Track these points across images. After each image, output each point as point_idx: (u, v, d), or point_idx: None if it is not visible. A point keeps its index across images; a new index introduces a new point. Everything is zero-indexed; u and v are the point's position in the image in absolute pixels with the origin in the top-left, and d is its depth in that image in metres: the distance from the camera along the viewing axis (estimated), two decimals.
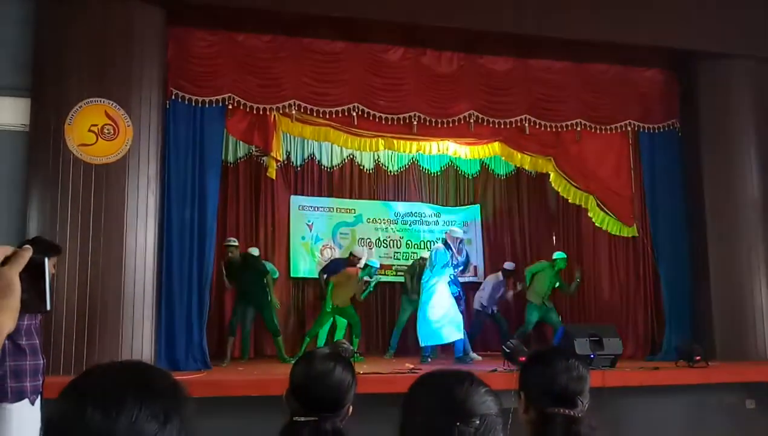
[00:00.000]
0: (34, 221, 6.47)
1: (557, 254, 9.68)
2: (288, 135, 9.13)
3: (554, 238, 10.56)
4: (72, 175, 6.46)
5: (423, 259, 9.20)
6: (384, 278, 10.55)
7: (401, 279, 10.10)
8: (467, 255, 8.89)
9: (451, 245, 8.42)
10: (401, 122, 8.06)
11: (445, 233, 9.06)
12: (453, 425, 1.44)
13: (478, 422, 1.45)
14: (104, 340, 6.32)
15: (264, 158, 9.39)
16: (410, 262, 10.17)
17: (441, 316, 8.11)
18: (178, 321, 7.05)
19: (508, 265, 10.12)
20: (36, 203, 6.53)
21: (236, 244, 8.90)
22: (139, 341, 6.50)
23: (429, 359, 8.24)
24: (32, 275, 1.29)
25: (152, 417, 1.05)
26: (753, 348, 7.91)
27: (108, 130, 6.61)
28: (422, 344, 8.25)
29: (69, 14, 6.69)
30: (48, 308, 1.53)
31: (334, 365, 2.26)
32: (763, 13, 8.28)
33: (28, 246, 1.29)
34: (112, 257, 6.46)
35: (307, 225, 10.33)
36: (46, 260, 1.35)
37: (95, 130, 6.57)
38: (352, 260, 9.23)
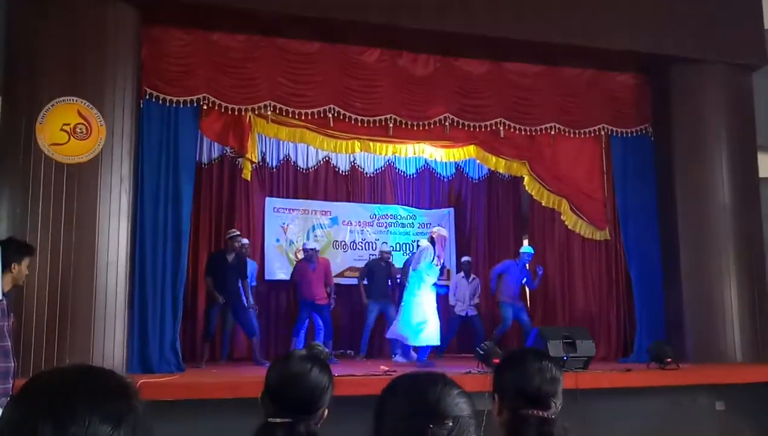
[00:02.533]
0: (4, 221, 6.38)
1: (524, 248, 9.83)
2: (263, 136, 9.08)
3: (526, 241, 10.62)
4: (43, 175, 6.38)
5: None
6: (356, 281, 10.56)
7: None
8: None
9: (437, 245, 8.41)
10: (377, 124, 8.06)
11: (431, 231, 9.06)
12: (426, 427, 1.44)
13: (451, 424, 1.46)
14: (75, 341, 6.24)
15: (239, 159, 9.34)
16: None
17: (423, 317, 8.10)
18: (151, 323, 7.00)
19: (465, 259, 10.36)
20: (6, 203, 6.44)
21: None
22: (111, 342, 6.43)
23: (402, 358, 8.23)
24: None
25: (105, 420, 1.03)
26: (723, 350, 8.02)
27: (80, 129, 6.53)
28: (399, 339, 8.24)
29: (41, 11, 6.61)
30: (1, 297, 1.51)
31: (311, 367, 2.25)
32: (735, 19, 8.40)
33: None
34: (83, 257, 6.39)
35: (282, 227, 10.29)
36: None
37: (67, 130, 6.49)
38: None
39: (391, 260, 10.04)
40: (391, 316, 9.65)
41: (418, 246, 9.56)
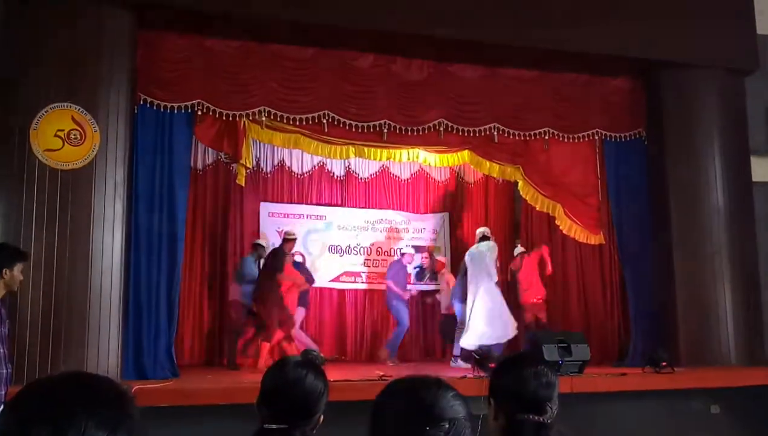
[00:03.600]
0: None
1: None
2: (257, 141, 9.09)
3: (518, 245, 10.60)
4: (37, 181, 6.36)
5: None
6: (355, 286, 10.60)
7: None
8: None
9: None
10: (371, 130, 8.07)
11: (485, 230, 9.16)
12: (422, 429, 1.44)
13: (447, 426, 1.46)
14: (69, 347, 6.22)
15: (233, 165, 9.34)
16: (378, 269, 10.29)
17: (498, 313, 8.22)
18: (146, 328, 6.98)
19: None
20: (0, 209, 6.42)
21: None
22: (105, 348, 6.41)
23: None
24: None
25: (101, 426, 1.03)
26: (718, 354, 8.03)
27: (74, 135, 6.52)
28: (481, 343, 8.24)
29: (36, 17, 6.60)
30: None
31: (306, 373, 2.25)
32: (728, 24, 8.44)
33: None
34: (78, 263, 6.37)
35: (277, 232, 10.29)
36: None
37: (61, 136, 6.48)
38: None
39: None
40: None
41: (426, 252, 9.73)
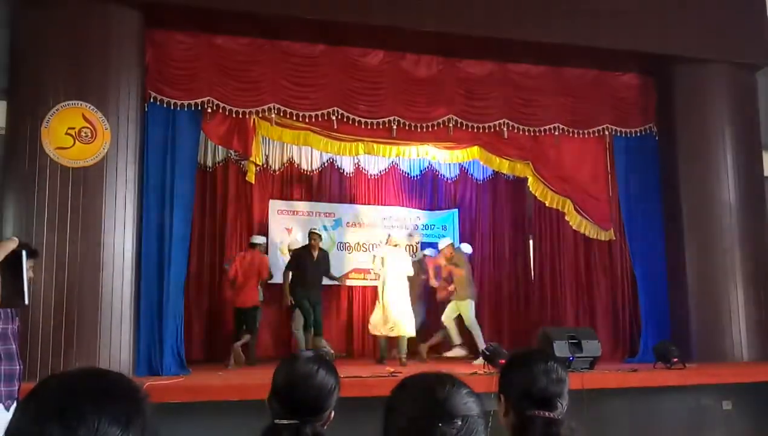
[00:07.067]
0: (10, 224, 6.41)
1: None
2: (267, 139, 9.08)
3: (531, 241, 10.60)
4: (49, 179, 6.40)
5: None
6: (364, 283, 10.59)
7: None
8: None
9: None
10: (381, 126, 8.07)
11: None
12: (435, 426, 1.44)
13: (459, 423, 1.46)
14: (81, 344, 6.26)
15: (243, 162, 9.34)
16: None
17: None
18: (157, 325, 7.01)
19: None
20: (12, 207, 6.47)
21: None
22: (117, 345, 6.45)
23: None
24: (11, 269, 1.28)
25: (114, 422, 1.04)
26: (729, 350, 8.01)
27: (85, 133, 6.55)
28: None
29: (46, 16, 6.64)
30: (26, 302, 1.51)
31: (317, 369, 2.24)
32: (739, 18, 8.39)
33: (14, 237, 1.28)
34: (89, 261, 6.41)
35: (286, 229, 10.30)
36: (24, 252, 1.33)
37: (72, 134, 6.51)
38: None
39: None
40: None
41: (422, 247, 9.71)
